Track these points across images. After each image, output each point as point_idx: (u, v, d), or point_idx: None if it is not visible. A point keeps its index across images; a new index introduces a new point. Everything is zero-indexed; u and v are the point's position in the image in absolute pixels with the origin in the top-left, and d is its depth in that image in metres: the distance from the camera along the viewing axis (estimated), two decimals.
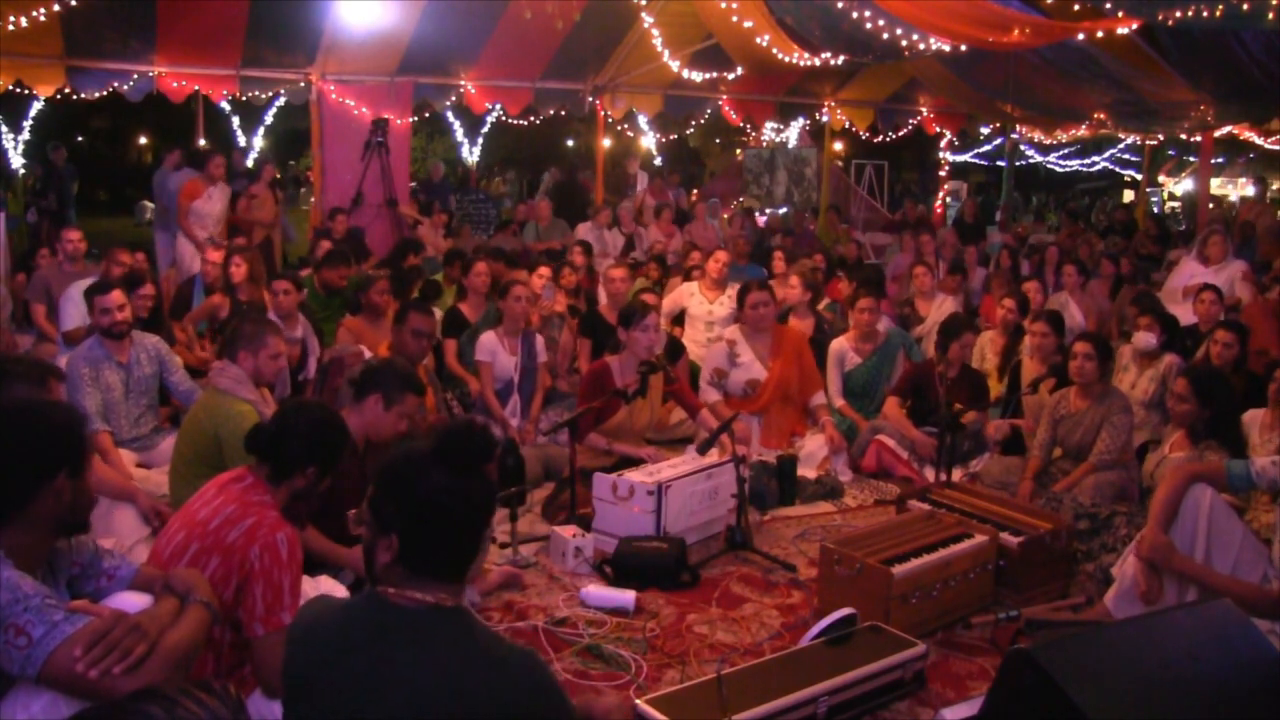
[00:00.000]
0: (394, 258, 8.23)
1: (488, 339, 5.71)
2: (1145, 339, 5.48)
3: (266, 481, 2.76)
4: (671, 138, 17.45)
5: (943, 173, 15.93)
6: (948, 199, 16.46)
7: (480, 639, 1.86)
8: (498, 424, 5.55)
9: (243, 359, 4.07)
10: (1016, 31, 7.07)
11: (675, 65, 10.45)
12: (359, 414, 3.71)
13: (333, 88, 9.88)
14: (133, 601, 2.45)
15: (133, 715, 1.34)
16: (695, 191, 16.97)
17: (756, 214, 14.14)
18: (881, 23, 7.51)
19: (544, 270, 7.02)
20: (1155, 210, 21.33)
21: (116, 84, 9.20)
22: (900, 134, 14.13)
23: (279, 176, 14.99)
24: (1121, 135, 15.45)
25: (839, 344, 6.00)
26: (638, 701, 2.79)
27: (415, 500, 1.86)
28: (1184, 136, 13.74)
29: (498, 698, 1.79)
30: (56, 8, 7.58)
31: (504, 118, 12.50)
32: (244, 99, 10.32)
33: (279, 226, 10.26)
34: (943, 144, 15.33)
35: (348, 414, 3.68)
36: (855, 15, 7.45)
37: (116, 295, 4.66)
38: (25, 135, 12.48)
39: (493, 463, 1.96)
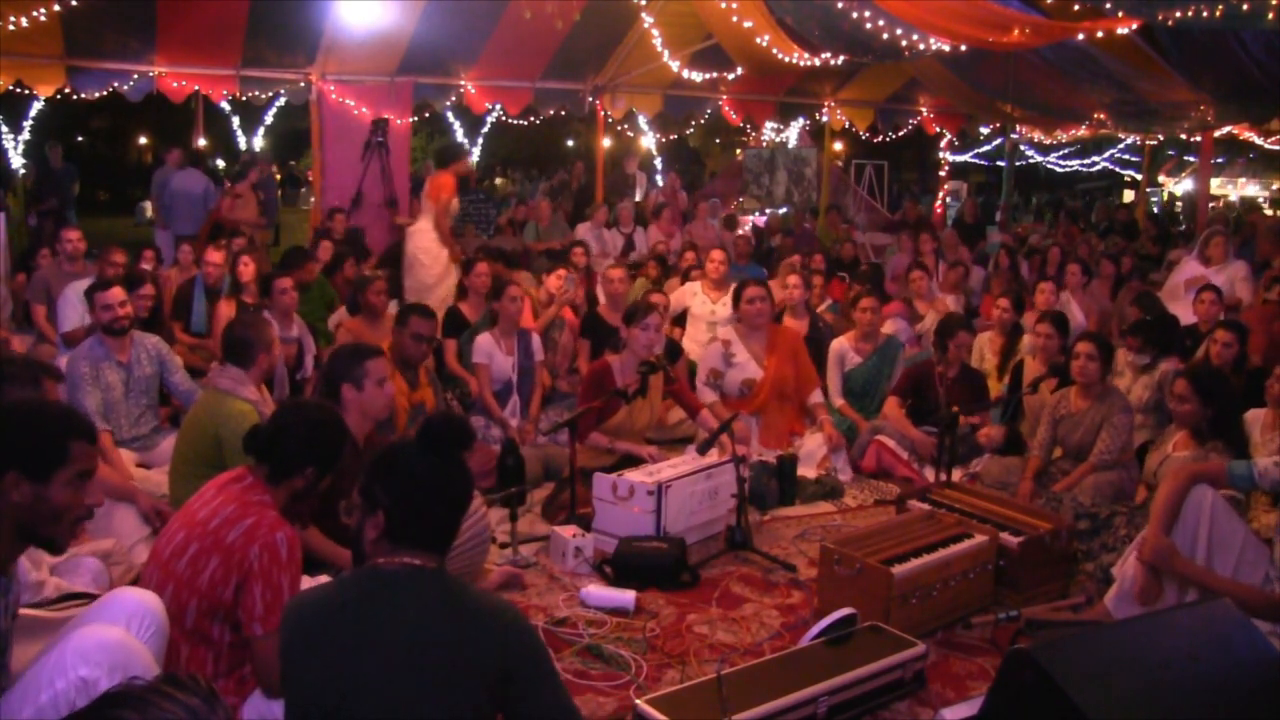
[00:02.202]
0: (393, 258, 8.23)
1: (484, 341, 5.71)
2: (1137, 358, 5.48)
3: (265, 482, 2.76)
4: (671, 138, 17.44)
5: (943, 173, 15.93)
6: (948, 199, 16.45)
7: (462, 591, 2.06)
8: (497, 424, 5.55)
9: (260, 361, 4.09)
10: (1016, 31, 7.07)
11: (675, 65, 10.44)
12: (345, 411, 3.71)
13: (333, 88, 9.87)
14: (133, 599, 2.46)
15: None
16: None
17: (756, 214, 14.14)
18: (881, 23, 7.50)
19: (561, 271, 7.06)
20: (1155, 210, 21.33)
21: (116, 84, 9.19)
22: (900, 134, 14.13)
23: (279, 178, 14.99)
24: (1121, 135, 15.44)
25: (839, 344, 6.00)
26: (638, 701, 2.79)
27: (399, 477, 2.10)
28: (1184, 136, 13.73)
29: (480, 641, 1.97)
30: (56, 8, 7.57)
31: (504, 118, 12.48)
32: (244, 99, 10.31)
33: (263, 227, 10.26)
34: (943, 144, 15.32)
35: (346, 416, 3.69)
36: (855, 15, 7.44)
37: (117, 292, 4.71)
38: (25, 135, 12.47)
39: (471, 450, 2.17)
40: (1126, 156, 19.95)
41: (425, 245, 7.91)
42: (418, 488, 2.08)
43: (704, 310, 6.96)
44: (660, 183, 14.66)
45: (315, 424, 2.84)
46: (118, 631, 2.26)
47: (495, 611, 2.07)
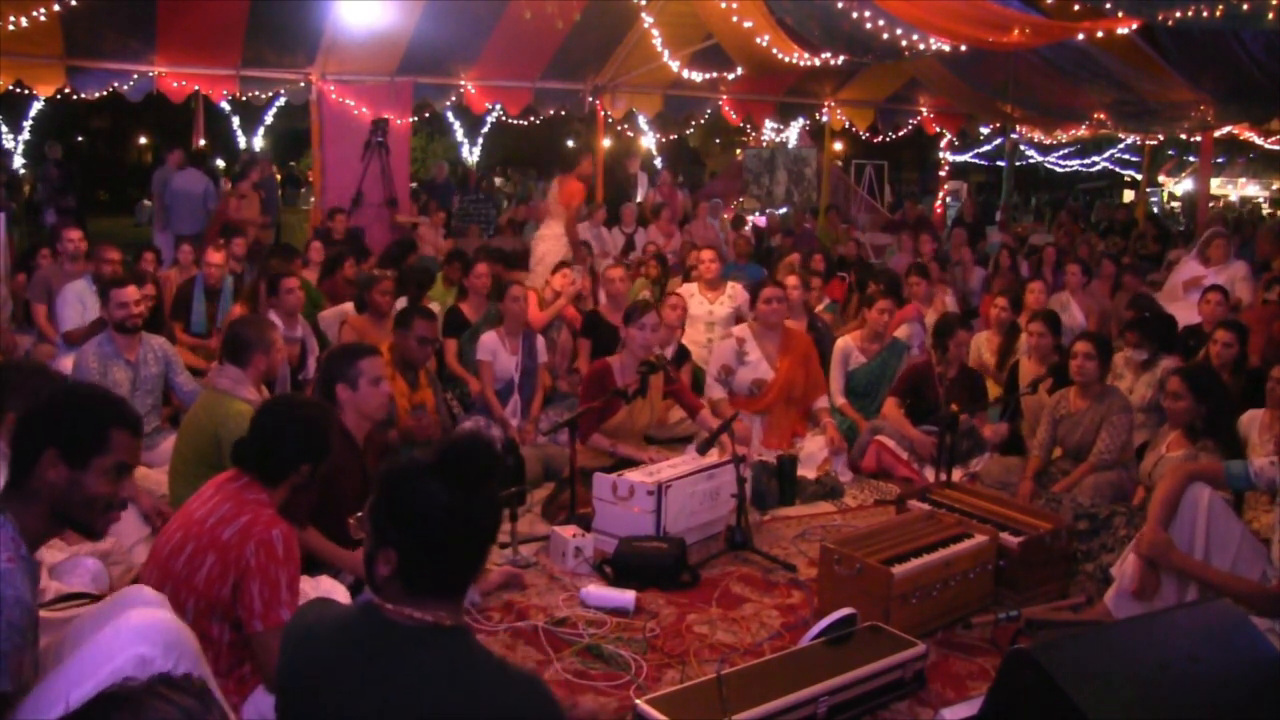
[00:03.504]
0: (393, 257, 8.23)
1: (489, 339, 5.72)
2: (1136, 354, 5.48)
3: (262, 483, 2.76)
4: (671, 138, 17.45)
5: (943, 173, 15.93)
6: (948, 199, 16.45)
7: (481, 660, 1.82)
8: (498, 424, 5.56)
9: (258, 361, 4.09)
10: (1016, 31, 7.07)
11: (675, 65, 10.45)
12: (341, 410, 3.71)
13: (333, 88, 9.88)
14: (144, 596, 2.46)
15: None
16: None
17: (756, 214, 14.14)
18: (881, 23, 7.51)
19: (566, 271, 7.07)
20: (1155, 210, 21.33)
21: (116, 84, 9.20)
22: (900, 134, 14.13)
23: (279, 178, 14.98)
24: (1121, 135, 15.44)
25: (845, 342, 6.00)
26: (638, 701, 2.79)
27: (414, 518, 1.78)
28: (1184, 136, 13.73)
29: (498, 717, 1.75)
30: (56, 8, 7.58)
31: (504, 118, 12.50)
32: (244, 99, 10.33)
33: (266, 226, 10.29)
34: (943, 144, 15.32)
35: (341, 415, 3.69)
36: (855, 15, 7.45)
37: (131, 290, 4.74)
38: (25, 135, 12.48)
39: (499, 480, 1.89)
40: (1126, 156, 19.97)
41: (555, 249, 8.31)
42: (437, 531, 1.78)
43: (701, 310, 6.95)
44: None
45: (299, 422, 2.83)
46: (167, 614, 2.29)
47: (517, 687, 1.81)
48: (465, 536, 1.81)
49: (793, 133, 14.73)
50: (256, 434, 2.79)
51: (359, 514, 3.42)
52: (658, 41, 9.88)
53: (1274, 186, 25.02)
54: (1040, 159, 20.66)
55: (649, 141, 15.52)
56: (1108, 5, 6.49)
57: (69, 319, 6.04)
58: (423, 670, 1.75)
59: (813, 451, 5.40)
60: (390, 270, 7.05)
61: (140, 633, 2.17)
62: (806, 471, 5.24)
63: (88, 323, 5.89)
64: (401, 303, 6.17)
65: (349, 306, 6.47)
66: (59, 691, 2.09)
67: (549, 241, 8.54)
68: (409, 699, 1.73)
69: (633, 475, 4.27)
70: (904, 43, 7.76)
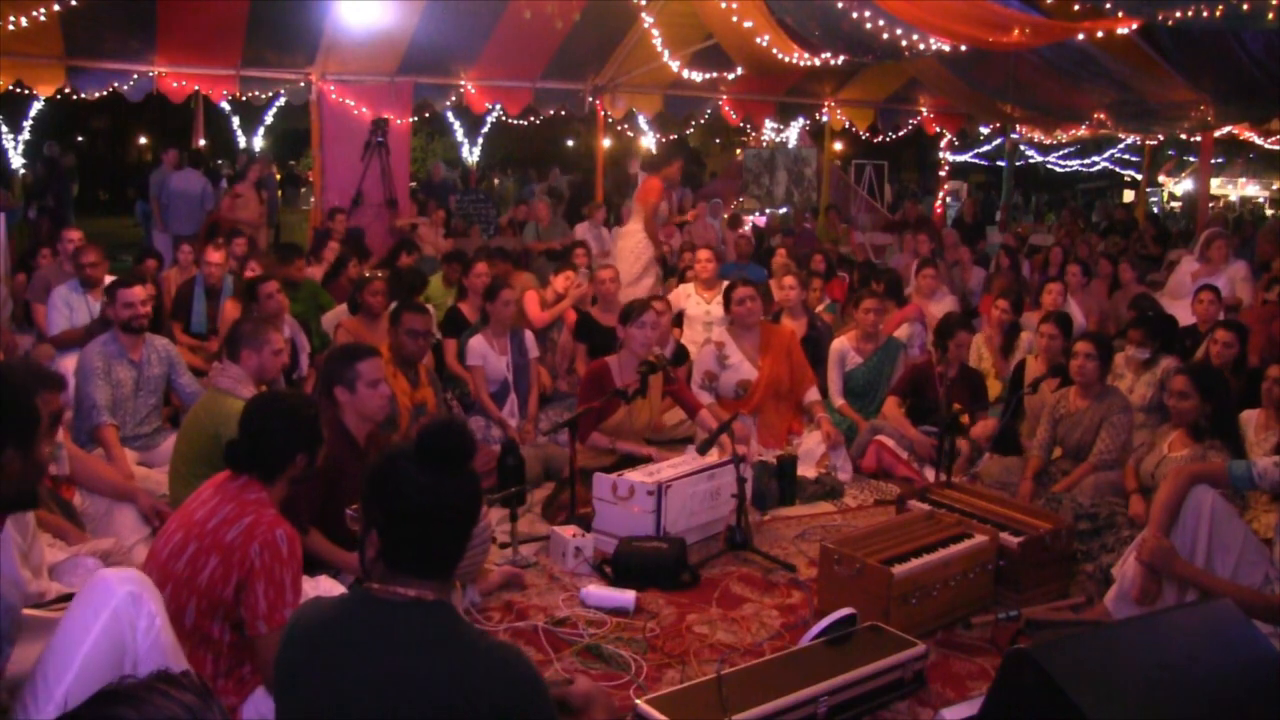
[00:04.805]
0: (390, 257, 8.25)
1: (477, 343, 5.70)
2: (1138, 353, 5.48)
3: (260, 481, 2.75)
4: (671, 138, 17.45)
5: (943, 173, 15.92)
6: (948, 199, 16.44)
7: (461, 632, 1.88)
8: (496, 425, 5.55)
9: (246, 357, 4.09)
10: (1016, 31, 7.06)
11: (675, 65, 10.44)
12: (341, 412, 3.71)
13: (333, 88, 9.88)
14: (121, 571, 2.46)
15: None
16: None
17: (756, 214, 14.15)
18: (881, 23, 7.50)
19: (569, 272, 7.07)
20: (1155, 210, 21.34)
21: (116, 84, 9.20)
22: (900, 134, 14.12)
23: (279, 176, 14.98)
24: (1121, 135, 15.43)
25: (840, 343, 6.00)
26: (638, 701, 2.79)
27: (391, 498, 1.88)
28: (1184, 136, 13.72)
29: (478, 689, 1.80)
30: (56, 8, 7.58)
31: (504, 118, 12.49)
32: (244, 99, 10.32)
33: (264, 227, 10.27)
34: (943, 144, 15.31)
35: (342, 417, 3.70)
36: (855, 15, 7.44)
37: (138, 290, 4.76)
38: (25, 135, 12.48)
39: (473, 460, 1.95)
40: (1126, 156, 19.96)
41: (632, 246, 8.40)
42: (412, 511, 1.87)
43: (699, 311, 6.95)
44: None
45: (284, 413, 2.82)
46: (130, 567, 2.41)
47: (495, 655, 1.87)
48: (441, 516, 1.88)
49: (793, 133, 14.72)
50: (245, 432, 2.79)
51: (356, 506, 3.43)
52: (658, 41, 9.87)
53: (1274, 186, 25.03)
54: (1040, 159, 20.65)
55: (649, 142, 15.51)
56: (1108, 5, 6.48)
57: (55, 323, 6.03)
58: (407, 639, 1.83)
59: (810, 448, 5.40)
60: (381, 271, 7.05)
61: (119, 579, 2.25)
62: (805, 468, 5.24)
63: (75, 326, 5.90)
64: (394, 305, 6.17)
65: (345, 308, 6.47)
66: (57, 661, 2.13)
67: (625, 238, 8.64)
68: (391, 668, 1.80)
69: (633, 475, 4.27)
70: (904, 43, 7.76)
